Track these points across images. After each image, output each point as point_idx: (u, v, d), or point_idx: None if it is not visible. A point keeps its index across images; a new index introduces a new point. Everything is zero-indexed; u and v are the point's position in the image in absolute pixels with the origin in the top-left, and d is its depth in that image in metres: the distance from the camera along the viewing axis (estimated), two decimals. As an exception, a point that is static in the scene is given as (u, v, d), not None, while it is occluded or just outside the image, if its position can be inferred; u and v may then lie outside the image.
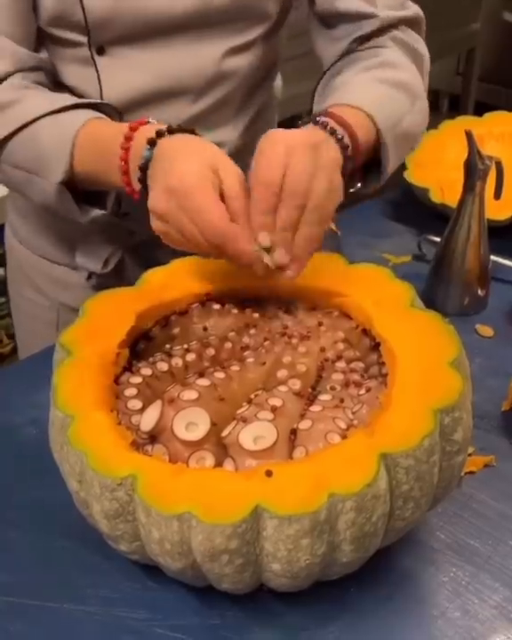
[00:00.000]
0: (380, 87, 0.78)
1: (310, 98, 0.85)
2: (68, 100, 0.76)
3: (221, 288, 0.69)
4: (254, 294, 0.70)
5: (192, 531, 0.49)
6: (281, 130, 0.65)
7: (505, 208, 1.03)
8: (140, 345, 0.66)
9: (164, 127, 0.67)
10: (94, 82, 0.81)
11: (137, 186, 0.69)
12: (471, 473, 0.69)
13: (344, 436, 0.55)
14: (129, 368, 0.62)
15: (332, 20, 0.86)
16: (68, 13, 0.77)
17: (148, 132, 0.68)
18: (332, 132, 0.67)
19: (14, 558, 0.62)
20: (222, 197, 0.62)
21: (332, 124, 0.68)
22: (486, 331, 0.88)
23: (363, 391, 0.60)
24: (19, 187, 0.80)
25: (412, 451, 0.52)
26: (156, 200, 0.64)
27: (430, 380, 0.56)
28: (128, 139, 0.69)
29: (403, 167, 1.13)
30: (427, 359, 0.58)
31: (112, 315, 0.64)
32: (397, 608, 0.59)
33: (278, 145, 0.63)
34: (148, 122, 0.70)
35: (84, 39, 0.79)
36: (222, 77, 0.85)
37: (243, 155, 0.91)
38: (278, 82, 0.99)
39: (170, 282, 0.69)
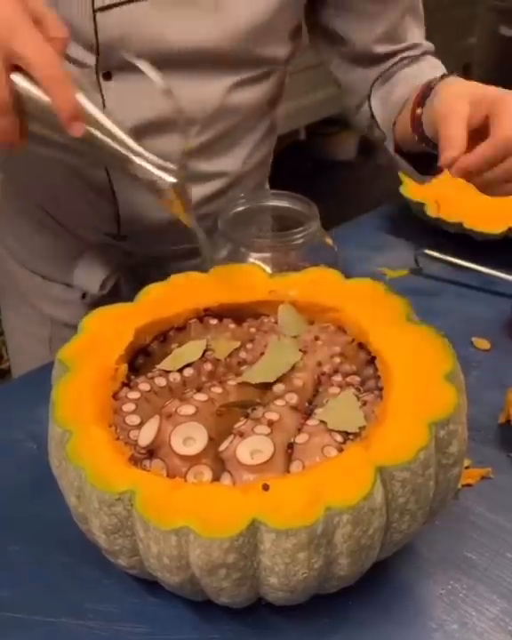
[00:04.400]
0: None
1: (311, 111, 0.90)
2: None
3: (219, 303, 0.69)
4: (252, 309, 0.70)
5: (190, 545, 0.50)
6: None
7: (499, 222, 1.04)
8: (138, 360, 0.66)
9: None
10: (98, 106, 0.81)
11: None
12: (468, 485, 0.70)
13: (340, 450, 0.56)
14: (127, 383, 0.62)
15: (368, 58, 0.90)
16: (80, 30, 0.76)
17: None
18: None
19: (14, 573, 0.63)
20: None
21: None
22: (483, 343, 0.89)
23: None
24: None
25: (407, 464, 0.52)
26: None
27: (425, 393, 0.57)
28: None
29: (399, 182, 1.14)
30: (422, 373, 0.59)
31: (110, 330, 0.65)
32: (395, 621, 0.59)
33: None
34: None
35: (91, 61, 0.78)
36: (226, 110, 0.85)
37: (244, 180, 0.93)
38: (279, 108, 0.99)
39: (168, 297, 0.69)
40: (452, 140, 0.69)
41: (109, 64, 0.79)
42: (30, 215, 0.96)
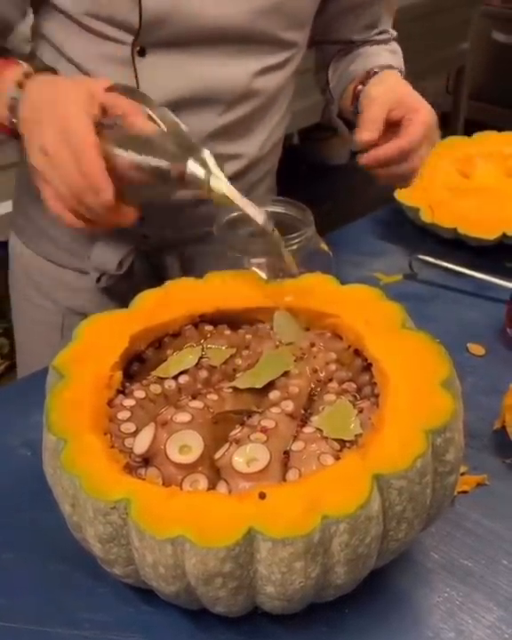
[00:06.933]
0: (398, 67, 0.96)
1: (305, 116, 0.98)
2: None
3: (214, 309, 0.69)
4: (247, 315, 0.70)
5: (186, 554, 0.50)
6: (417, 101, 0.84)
7: (493, 228, 1.04)
8: (133, 367, 0.66)
9: (29, 68, 0.74)
10: (131, 82, 0.83)
11: (6, 122, 0.73)
12: (464, 492, 0.69)
13: (337, 457, 0.55)
14: (122, 391, 0.62)
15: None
16: (122, 10, 0.78)
17: (14, 73, 0.73)
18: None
19: (8, 582, 0.62)
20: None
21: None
22: (478, 349, 0.89)
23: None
24: None
25: (404, 472, 0.52)
26: (44, 137, 0.68)
27: (422, 400, 0.57)
28: None
29: (393, 187, 1.14)
30: (418, 380, 0.59)
31: (105, 337, 0.65)
32: (392, 629, 0.59)
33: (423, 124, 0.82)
34: (18, 63, 0.75)
35: (128, 38, 0.80)
36: (252, 93, 0.89)
37: (260, 164, 0.97)
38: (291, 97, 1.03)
39: (163, 304, 0.69)
40: (370, 125, 0.82)
41: (145, 41, 0.81)
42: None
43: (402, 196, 1.13)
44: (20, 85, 0.72)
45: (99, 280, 0.94)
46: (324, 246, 0.87)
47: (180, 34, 0.81)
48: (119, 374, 0.62)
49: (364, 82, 0.91)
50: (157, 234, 0.94)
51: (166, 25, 0.79)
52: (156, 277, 0.95)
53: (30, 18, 1.20)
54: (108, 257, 0.93)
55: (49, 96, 0.70)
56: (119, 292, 0.95)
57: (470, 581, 0.62)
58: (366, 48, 1.01)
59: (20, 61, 0.75)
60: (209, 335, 0.68)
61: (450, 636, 0.58)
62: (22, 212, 1.01)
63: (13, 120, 0.72)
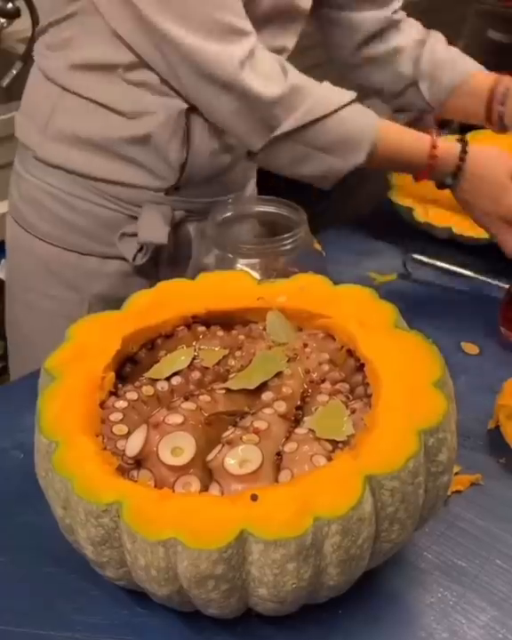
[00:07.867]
0: None
1: None
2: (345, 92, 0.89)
3: (207, 310, 0.69)
4: (240, 316, 0.70)
5: (178, 556, 0.49)
6: None
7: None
8: (125, 369, 0.66)
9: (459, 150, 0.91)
10: None
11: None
12: (458, 492, 0.69)
13: (329, 458, 0.55)
14: (115, 392, 0.62)
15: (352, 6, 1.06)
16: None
17: (446, 154, 0.91)
18: None
19: (1, 584, 0.62)
20: None
21: None
22: (471, 348, 0.89)
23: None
24: (294, 161, 0.88)
25: (396, 473, 0.52)
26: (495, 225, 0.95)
27: (414, 400, 0.57)
28: (432, 151, 0.90)
29: (388, 186, 1.14)
30: (410, 380, 0.59)
31: (97, 338, 0.64)
32: (385, 630, 0.58)
33: None
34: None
35: None
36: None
37: None
38: None
39: (155, 304, 0.69)
40: None
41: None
42: (73, 191, 0.96)
43: (396, 195, 1.12)
44: (456, 175, 0.91)
45: (134, 258, 0.95)
46: (317, 246, 0.87)
47: (264, 12, 0.87)
48: (111, 376, 0.62)
49: (500, 102, 1.06)
50: (185, 205, 0.96)
51: (260, 4, 0.86)
52: (181, 256, 0.97)
53: (27, 18, 1.20)
54: (157, 228, 0.94)
55: (486, 192, 0.92)
56: (148, 271, 0.97)
57: (464, 581, 0.62)
58: (436, 56, 1.11)
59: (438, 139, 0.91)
60: (201, 336, 0.68)
61: (443, 637, 0.58)
62: (35, 207, 0.99)
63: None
